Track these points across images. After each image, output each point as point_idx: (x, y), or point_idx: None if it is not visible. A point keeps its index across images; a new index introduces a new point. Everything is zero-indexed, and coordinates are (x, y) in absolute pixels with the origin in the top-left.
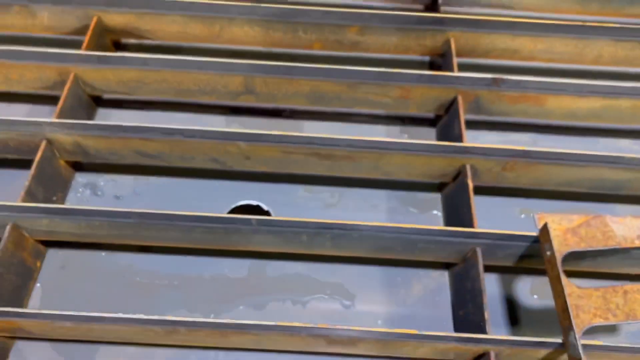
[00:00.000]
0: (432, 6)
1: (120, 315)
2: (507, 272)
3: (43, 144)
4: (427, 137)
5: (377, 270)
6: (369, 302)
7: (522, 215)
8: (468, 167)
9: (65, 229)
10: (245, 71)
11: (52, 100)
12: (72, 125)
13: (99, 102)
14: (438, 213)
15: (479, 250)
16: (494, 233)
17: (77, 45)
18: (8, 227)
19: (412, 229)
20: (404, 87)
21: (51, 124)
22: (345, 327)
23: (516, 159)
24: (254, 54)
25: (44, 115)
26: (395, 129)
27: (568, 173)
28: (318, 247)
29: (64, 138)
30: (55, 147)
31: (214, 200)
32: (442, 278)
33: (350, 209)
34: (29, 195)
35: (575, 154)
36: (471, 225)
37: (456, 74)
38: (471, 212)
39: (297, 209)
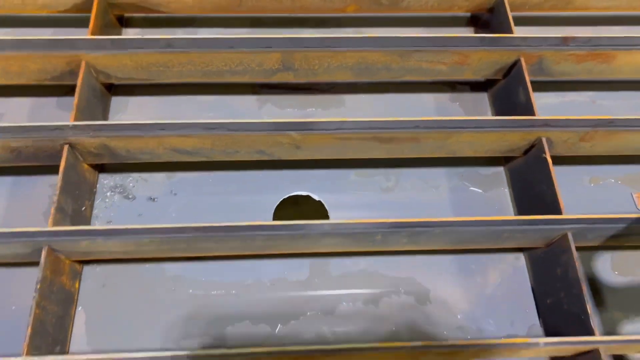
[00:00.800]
0: None
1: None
2: (586, 249)
3: (65, 150)
4: (480, 103)
5: (448, 260)
6: (445, 295)
7: (592, 184)
8: (544, 140)
9: (107, 248)
10: (284, 46)
11: (57, 89)
12: (100, 127)
13: (110, 88)
14: (505, 190)
15: (570, 235)
16: (590, 218)
17: (78, 23)
18: (44, 253)
19: (499, 220)
20: (462, 53)
21: (75, 127)
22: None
23: (599, 128)
24: (278, 20)
25: (51, 108)
26: (444, 96)
27: None
28: (393, 245)
29: (89, 141)
30: (78, 151)
31: (258, 193)
32: (518, 261)
33: (409, 192)
34: (60, 212)
35: None
36: (555, 205)
37: (522, 34)
38: (554, 190)
39: (350, 196)
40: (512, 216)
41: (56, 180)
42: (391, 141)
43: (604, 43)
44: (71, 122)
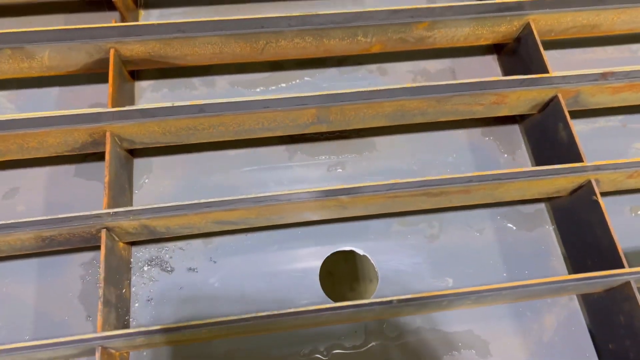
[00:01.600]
0: None
1: None
2: None
3: (103, 234)
4: (513, 136)
5: (502, 309)
6: (505, 348)
7: (633, 214)
8: (594, 182)
9: (161, 339)
10: (320, 102)
11: (76, 158)
12: (141, 212)
13: (132, 151)
14: (549, 227)
15: (633, 283)
16: None
17: (88, 81)
18: (97, 354)
19: (562, 280)
20: (500, 94)
21: (115, 214)
22: None
23: None
24: (298, 62)
25: (69, 177)
26: (476, 131)
27: None
28: (457, 306)
29: (129, 223)
30: (115, 233)
31: (300, 252)
32: (572, 303)
33: (454, 238)
34: (106, 305)
35: None
36: (613, 253)
37: (562, 73)
38: (611, 237)
39: (396, 248)
40: (573, 275)
41: (87, 257)
42: (441, 194)
43: None
44: (110, 210)
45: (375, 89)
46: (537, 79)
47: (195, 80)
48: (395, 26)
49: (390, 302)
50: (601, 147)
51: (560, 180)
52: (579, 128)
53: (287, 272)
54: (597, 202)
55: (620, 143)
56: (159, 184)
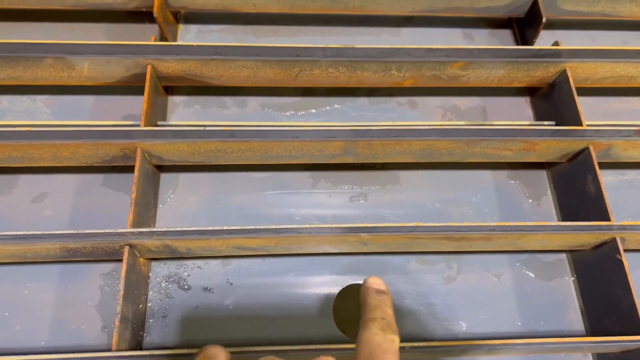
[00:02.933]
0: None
1: None
2: None
3: (126, 251)
4: (540, 182)
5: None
6: None
7: None
8: (619, 240)
9: None
10: (349, 136)
11: (104, 168)
12: (165, 233)
13: (159, 166)
14: (569, 279)
15: None
16: None
17: (123, 92)
18: None
19: (578, 341)
20: (531, 142)
21: (139, 233)
22: None
23: None
24: (331, 89)
25: (97, 186)
26: (502, 173)
27: None
28: (470, 355)
29: (151, 242)
30: (137, 250)
31: (316, 279)
32: (586, 359)
33: (472, 281)
34: (123, 321)
35: None
36: (633, 316)
37: (594, 126)
38: (632, 299)
39: (412, 286)
40: (589, 338)
41: (107, 269)
42: (462, 239)
43: None
44: (135, 230)
45: (404, 127)
46: (569, 131)
47: (227, 100)
48: (430, 63)
49: (403, 347)
50: (629, 201)
51: (584, 235)
52: (608, 179)
53: (301, 300)
54: (620, 261)
55: None
56: (183, 200)
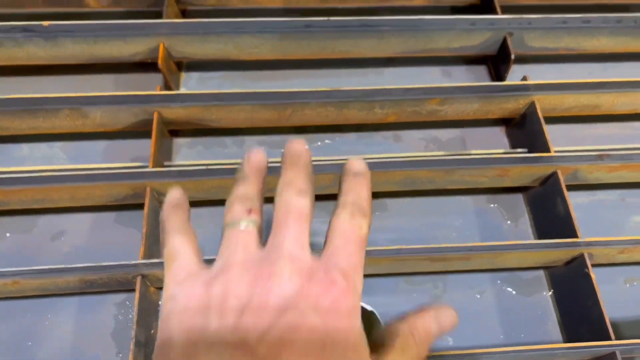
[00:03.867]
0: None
1: None
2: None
3: (138, 281)
4: (517, 206)
5: None
6: None
7: (627, 285)
8: (587, 256)
9: None
10: (336, 170)
11: (116, 207)
12: None
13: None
14: (546, 294)
15: (618, 354)
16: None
17: (132, 136)
18: None
19: (553, 348)
20: (503, 169)
21: (151, 264)
22: None
23: (638, 245)
24: (321, 127)
25: (110, 222)
26: (482, 198)
27: None
28: None
29: (161, 272)
30: (148, 280)
31: None
32: None
33: (457, 299)
34: (137, 345)
35: None
36: (602, 327)
37: (559, 153)
38: (601, 311)
39: (402, 306)
40: (564, 344)
41: (120, 298)
42: (443, 260)
43: (635, 158)
44: (147, 260)
45: (387, 159)
46: (538, 157)
47: (227, 140)
48: (409, 101)
49: None
50: (599, 220)
51: (555, 252)
52: (580, 200)
53: None
54: (588, 275)
55: (619, 216)
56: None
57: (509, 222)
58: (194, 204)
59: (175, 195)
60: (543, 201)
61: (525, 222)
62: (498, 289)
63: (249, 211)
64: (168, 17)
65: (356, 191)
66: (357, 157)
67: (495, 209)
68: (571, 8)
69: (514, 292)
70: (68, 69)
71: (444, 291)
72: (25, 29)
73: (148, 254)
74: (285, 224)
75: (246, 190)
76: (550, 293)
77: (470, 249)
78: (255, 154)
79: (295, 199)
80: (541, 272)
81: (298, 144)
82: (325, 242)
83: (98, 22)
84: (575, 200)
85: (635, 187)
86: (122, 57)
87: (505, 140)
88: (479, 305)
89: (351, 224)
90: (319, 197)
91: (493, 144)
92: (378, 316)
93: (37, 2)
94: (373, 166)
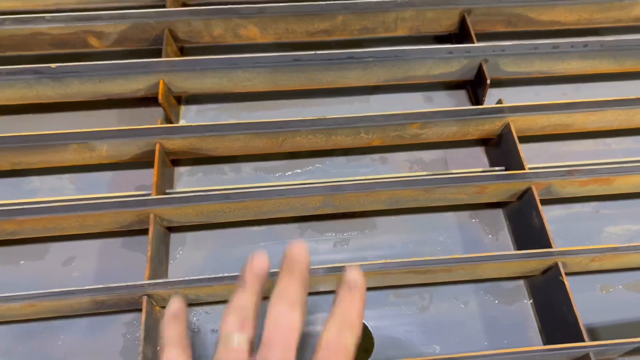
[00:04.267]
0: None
1: None
2: None
3: (144, 301)
4: (497, 220)
5: None
6: None
7: (603, 292)
8: (560, 264)
9: None
10: (326, 192)
11: (123, 233)
12: (177, 283)
13: (169, 227)
14: (527, 302)
15: (592, 355)
16: (611, 343)
17: (136, 167)
18: None
19: (532, 350)
20: (481, 186)
21: (156, 284)
22: None
23: (606, 253)
24: (312, 152)
25: (117, 247)
26: (465, 214)
27: None
28: None
29: (166, 292)
30: (154, 300)
31: (311, 316)
32: None
33: (443, 309)
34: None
35: None
36: (577, 329)
37: (532, 170)
38: (575, 315)
39: (391, 317)
40: (540, 346)
41: (128, 318)
42: (427, 272)
43: (603, 172)
44: (152, 281)
45: (372, 180)
46: (512, 174)
47: (225, 167)
48: (392, 126)
49: None
50: (575, 231)
51: (531, 262)
52: (557, 213)
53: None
54: (563, 283)
55: (594, 227)
56: (191, 255)
57: (490, 235)
58: (194, 227)
59: (175, 305)
60: (520, 215)
61: (505, 235)
62: (481, 299)
63: (242, 325)
64: (167, 55)
65: (348, 304)
66: (355, 267)
67: (477, 224)
68: (544, 34)
69: (496, 301)
70: (75, 106)
71: (431, 302)
72: (35, 71)
73: (153, 276)
74: (273, 344)
75: (243, 301)
76: (530, 301)
77: (451, 261)
78: (257, 260)
79: (285, 314)
80: (521, 282)
81: (298, 249)
82: (314, 352)
83: (102, 63)
84: (553, 214)
85: (609, 199)
86: (125, 94)
87: (485, 160)
88: (464, 315)
89: (338, 336)
90: (309, 219)
91: (474, 163)
92: (370, 329)
93: (44, 45)
94: (359, 187)
